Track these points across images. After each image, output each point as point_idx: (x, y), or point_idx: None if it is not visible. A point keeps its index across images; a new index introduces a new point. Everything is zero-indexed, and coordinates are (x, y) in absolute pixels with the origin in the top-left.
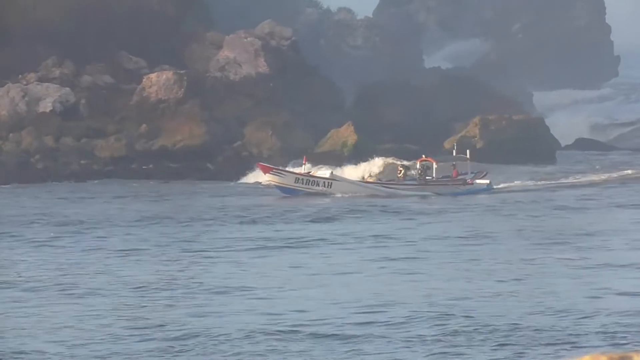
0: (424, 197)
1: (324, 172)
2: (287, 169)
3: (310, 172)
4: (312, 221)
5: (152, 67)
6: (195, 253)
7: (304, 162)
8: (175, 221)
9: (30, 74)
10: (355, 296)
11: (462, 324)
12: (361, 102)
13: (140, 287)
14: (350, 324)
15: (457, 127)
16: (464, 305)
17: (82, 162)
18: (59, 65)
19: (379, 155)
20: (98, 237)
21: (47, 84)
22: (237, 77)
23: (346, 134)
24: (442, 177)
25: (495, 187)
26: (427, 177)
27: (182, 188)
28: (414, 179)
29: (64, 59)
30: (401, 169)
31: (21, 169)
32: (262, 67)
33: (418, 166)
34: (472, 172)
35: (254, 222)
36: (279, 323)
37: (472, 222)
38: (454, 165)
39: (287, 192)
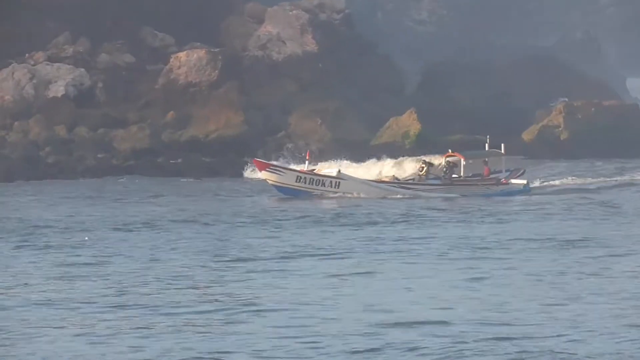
0: (449, 199)
1: (329, 169)
2: (287, 166)
3: (314, 169)
4: (379, 224)
5: (180, 44)
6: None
7: (307, 157)
8: (230, 225)
9: (38, 52)
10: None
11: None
12: (425, 85)
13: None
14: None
15: (538, 115)
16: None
17: (99, 155)
18: (72, 43)
19: (442, 147)
20: (138, 243)
21: (58, 64)
22: (280, 57)
23: (408, 122)
24: (472, 176)
25: (532, 186)
26: (453, 176)
27: (219, 186)
28: (439, 178)
29: (78, 35)
30: (423, 165)
31: (28, 164)
32: (310, 44)
33: (443, 163)
34: (507, 170)
35: (319, 224)
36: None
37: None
38: (485, 161)
39: (287, 192)
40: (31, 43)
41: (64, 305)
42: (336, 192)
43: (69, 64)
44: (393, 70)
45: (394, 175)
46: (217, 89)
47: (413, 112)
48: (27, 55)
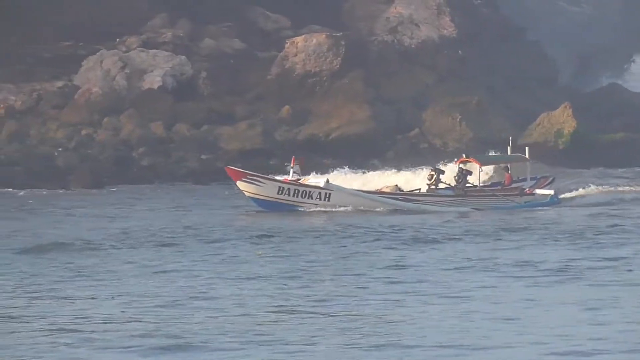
0: (463, 213)
1: (315, 179)
2: (267, 175)
3: (299, 179)
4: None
5: (297, 27)
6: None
7: (291, 164)
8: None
9: (131, 37)
10: None
11: None
12: (581, 76)
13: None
14: None
15: None
16: None
17: (203, 157)
18: (170, 26)
19: (600, 148)
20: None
21: (154, 50)
22: (413, 42)
23: (562, 119)
24: (491, 185)
25: (560, 196)
26: (467, 185)
27: None
28: (451, 188)
29: (177, 16)
30: (432, 173)
31: (119, 167)
32: (448, 28)
33: (456, 170)
34: (532, 178)
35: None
36: None
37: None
38: (507, 168)
39: (267, 206)
40: (122, 26)
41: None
42: (326, 206)
43: (166, 51)
44: (544, 58)
45: (396, 185)
46: (340, 80)
47: (568, 107)
48: (117, 40)
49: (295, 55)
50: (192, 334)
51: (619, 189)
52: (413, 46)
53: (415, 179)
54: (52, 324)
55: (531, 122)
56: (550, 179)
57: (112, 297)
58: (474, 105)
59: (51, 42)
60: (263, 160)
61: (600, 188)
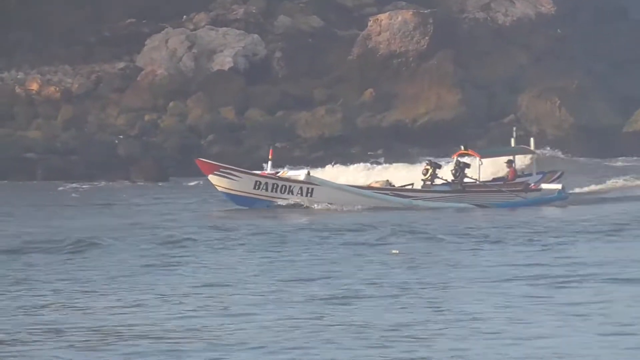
0: (461, 210)
1: (294, 172)
2: (241, 168)
3: (277, 172)
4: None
5: (381, 4)
6: None
7: (270, 156)
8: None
9: (199, 14)
10: None
11: None
12: None
13: None
14: None
15: None
16: None
17: (277, 145)
18: (242, 2)
19: None
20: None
21: (224, 29)
22: (507, 20)
23: None
24: (493, 180)
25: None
26: (465, 180)
27: None
28: (447, 184)
29: None
30: (427, 167)
31: (186, 156)
32: (546, 5)
33: (453, 163)
34: (539, 173)
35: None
36: None
37: None
38: (510, 161)
39: (242, 202)
40: (190, 2)
41: None
42: (309, 202)
43: (238, 29)
44: None
45: (387, 180)
46: (428, 61)
47: None
48: (184, 17)
49: (379, 34)
50: None
51: None
52: (507, 24)
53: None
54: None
55: (637, 108)
56: (559, 173)
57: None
58: (574, 89)
59: (112, 20)
60: (343, 148)
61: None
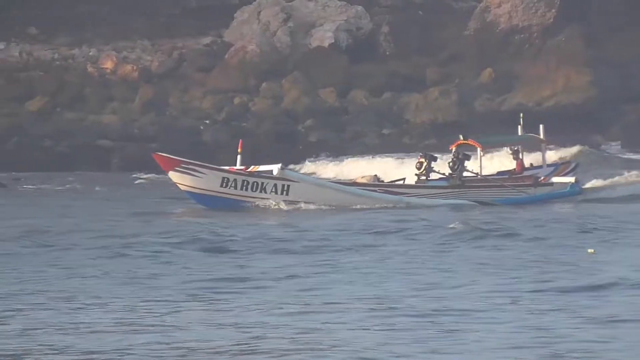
0: (459, 207)
1: (266, 167)
2: (208, 164)
3: (249, 168)
4: None
5: None
6: None
7: (239, 148)
8: None
9: None
10: None
11: None
12: None
13: None
14: None
15: None
16: None
17: (385, 131)
18: None
19: None
20: None
21: (324, 0)
22: None
23: None
24: (497, 174)
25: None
26: (464, 173)
27: None
28: (445, 178)
29: None
30: (422, 160)
31: (281, 143)
32: None
33: (452, 155)
34: (550, 165)
35: None
36: None
37: None
38: (516, 151)
39: (208, 202)
40: None
41: None
42: (284, 200)
43: (340, 0)
44: None
45: (375, 175)
46: (554, 37)
47: None
48: None
49: (499, 5)
50: None
51: None
52: None
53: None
54: None
55: None
56: (573, 164)
57: None
58: None
59: None
60: (458, 135)
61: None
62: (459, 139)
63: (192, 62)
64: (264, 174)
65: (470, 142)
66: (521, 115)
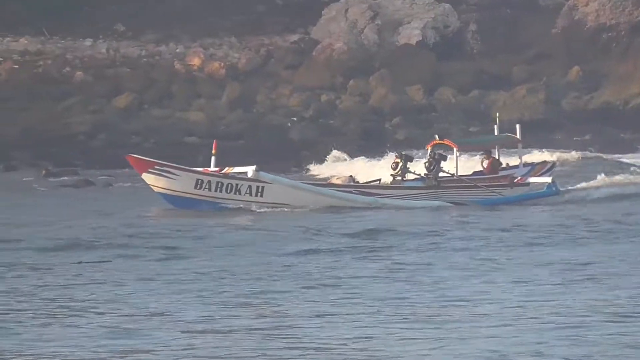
0: (437, 208)
1: (240, 168)
2: (181, 165)
3: (223, 170)
4: None
5: None
6: None
7: (213, 150)
8: None
9: None
10: None
11: None
12: None
13: None
14: None
15: None
16: None
17: (472, 129)
18: None
19: None
20: None
21: None
22: None
23: None
24: (473, 174)
25: (563, 188)
26: (440, 174)
27: None
28: (421, 178)
29: None
30: (397, 160)
31: (368, 141)
32: None
33: (428, 155)
34: (526, 165)
35: None
36: None
37: None
38: (488, 151)
39: (182, 204)
40: None
41: None
42: (258, 203)
43: None
44: None
45: (350, 176)
46: None
47: None
48: None
49: (587, 4)
50: None
51: None
52: None
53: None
54: None
55: None
56: (550, 164)
57: None
58: None
59: None
60: (546, 133)
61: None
62: (434, 138)
63: (279, 59)
64: (238, 176)
65: (446, 142)
66: (497, 114)
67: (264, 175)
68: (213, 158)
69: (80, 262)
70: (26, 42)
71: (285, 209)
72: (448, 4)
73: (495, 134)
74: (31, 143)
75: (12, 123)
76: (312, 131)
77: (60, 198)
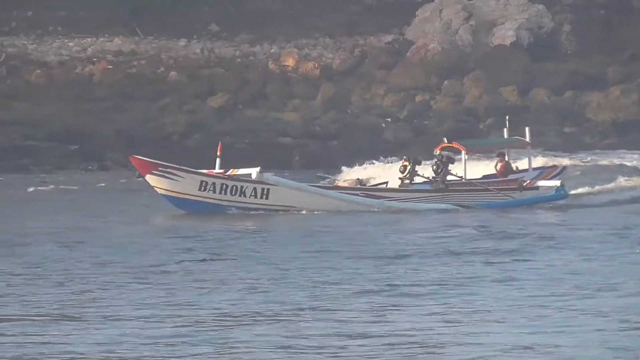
0: (443, 211)
1: (244, 170)
2: (185, 167)
3: (228, 172)
4: None
5: None
6: None
7: (218, 152)
8: None
9: None
10: None
11: None
12: None
13: None
14: None
15: None
16: None
17: (566, 129)
18: None
19: None
20: None
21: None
22: None
23: None
24: (483, 178)
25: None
26: (448, 177)
27: None
28: (429, 181)
29: None
30: (406, 163)
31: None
32: None
33: (435, 158)
34: (536, 169)
35: None
36: None
37: None
38: (501, 153)
39: (186, 206)
40: None
41: None
42: (264, 205)
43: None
44: None
45: (358, 179)
46: None
47: None
48: None
49: None
50: None
51: None
52: None
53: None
54: None
55: None
56: (560, 168)
57: None
58: None
59: None
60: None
61: None
62: (443, 141)
63: (373, 59)
64: (243, 178)
65: (454, 145)
66: (507, 117)
67: (268, 177)
68: (218, 160)
69: (205, 259)
70: (120, 42)
71: (294, 210)
72: (542, 5)
73: (505, 136)
74: (124, 143)
75: (106, 123)
76: (406, 132)
77: (152, 199)
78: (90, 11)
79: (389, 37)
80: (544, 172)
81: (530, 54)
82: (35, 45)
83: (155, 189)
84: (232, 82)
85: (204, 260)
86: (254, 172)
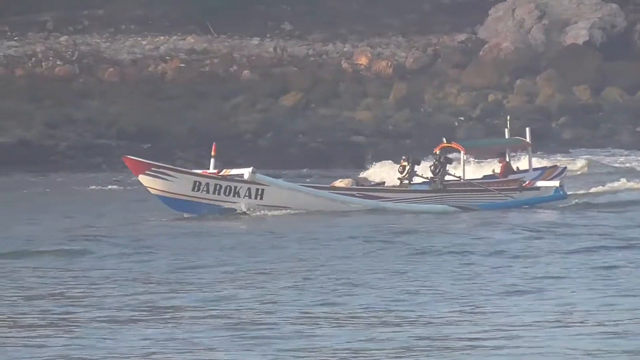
0: (445, 213)
1: (237, 170)
2: (177, 167)
3: (221, 172)
4: None
5: None
6: None
7: (212, 152)
8: None
9: None
10: None
11: None
12: None
13: None
14: None
15: None
16: None
17: (639, 129)
18: None
19: None
20: None
21: None
22: None
23: None
24: (483, 178)
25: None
26: (446, 177)
27: None
28: (427, 182)
29: None
30: (404, 163)
31: (535, 139)
32: None
33: (434, 158)
34: (537, 169)
35: None
36: None
37: None
38: (503, 154)
39: (180, 206)
40: None
41: None
42: (258, 205)
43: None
44: None
45: (353, 179)
46: None
47: None
48: None
49: None
50: None
51: None
52: None
53: None
54: None
55: None
56: (560, 168)
57: None
58: None
59: None
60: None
61: None
62: (442, 141)
63: (446, 58)
64: (237, 178)
65: (453, 145)
66: (508, 117)
67: (261, 178)
68: (212, 160)
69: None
70: (193, 40)
71: (287, 210)
72: (615, 4)
73: (506, 137)
74: (196, 142)
75: (179, 121)
76: (479, 131)
77: None
78: (163, 9)
79: (461, 36)
80: (545, 172)
81: (603, 53)
82: (108, 44)
83: (149, 189)
84: (305, 81)
85: None
86: (246, 172)
